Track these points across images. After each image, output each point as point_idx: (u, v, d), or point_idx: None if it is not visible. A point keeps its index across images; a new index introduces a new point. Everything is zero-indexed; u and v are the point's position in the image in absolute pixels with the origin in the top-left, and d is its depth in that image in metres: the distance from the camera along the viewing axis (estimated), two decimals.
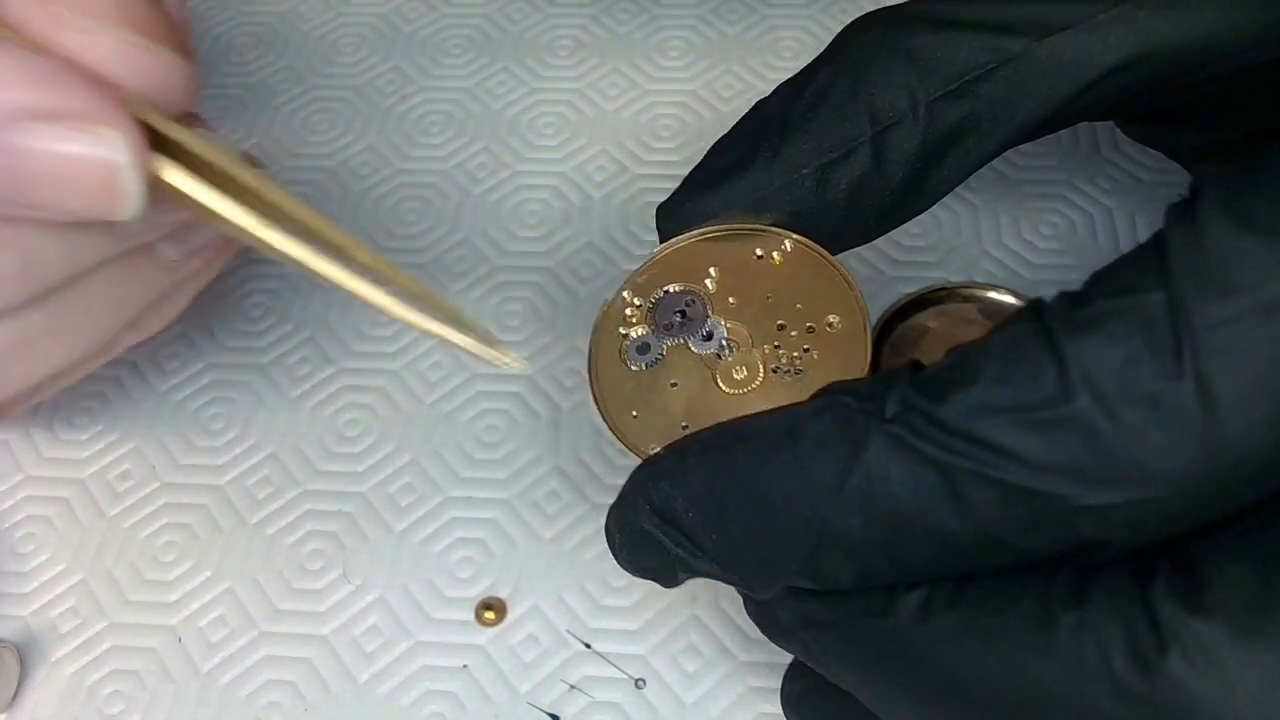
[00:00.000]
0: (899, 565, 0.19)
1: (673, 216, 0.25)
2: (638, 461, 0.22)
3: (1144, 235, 0.34)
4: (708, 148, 0.26)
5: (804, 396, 0.21)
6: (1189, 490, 0.17)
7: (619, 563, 0.22)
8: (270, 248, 0.21)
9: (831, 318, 0.24)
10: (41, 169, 0.19)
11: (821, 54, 0.26)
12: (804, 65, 0.26)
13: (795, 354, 0.24)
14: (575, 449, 0.31)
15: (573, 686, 0.27)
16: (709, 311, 0.24)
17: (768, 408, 0.21)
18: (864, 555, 0.19)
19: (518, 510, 0.30)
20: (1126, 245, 0.34)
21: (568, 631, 0.28)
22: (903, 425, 0.18)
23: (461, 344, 0.22)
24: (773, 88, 0.26)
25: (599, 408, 0.23)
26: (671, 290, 0.25)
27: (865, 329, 0.23)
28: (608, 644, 0.28)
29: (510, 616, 0.28)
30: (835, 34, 0.26)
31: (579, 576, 0.29)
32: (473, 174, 0.37)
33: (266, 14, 0.43)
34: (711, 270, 0.25)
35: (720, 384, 0.24)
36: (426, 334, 0.22)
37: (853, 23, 0.26)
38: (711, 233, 0.25)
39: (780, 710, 0.25)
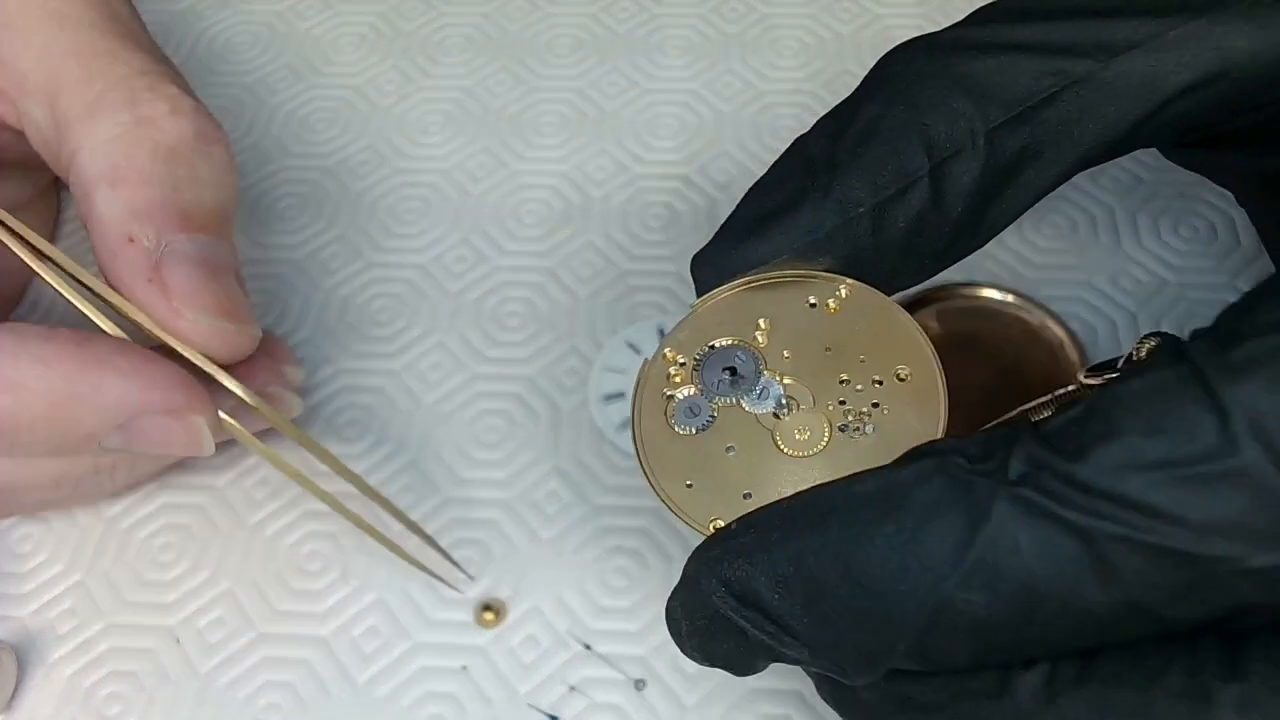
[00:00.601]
0: (1023, 643, 0.17)
1: (713, 265, 0.23)
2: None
3: (1145, 235, 0.34)
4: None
5: (879, 457, 0.19)
6: None
7: (684, 651, 0.20)
8: (317, 492, 0.27)
9: (901, 368, 0.22)
10: (152, 441, 0.26)
11: (861, 85, 0.24)
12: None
13: (864, 410, 0.21)
14: (575, 449, 0.31)
15: (573, 688, 0.27)
16: (762, 367, 0.22)
17: (836, 473, 0.19)
18: (985, 634, 0.17)
19: (518, 510, 0.30)
20: (1128, 244, 0.33)
21: (567, 632, 0.28)
22: (1034, 488, 0.16)
23: (412, 562, 0.28)
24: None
25: (649, 479, 0.21)
26: (719, 345, 0.23)
27: (940, 379, 0.21)
28: (608, 645, 0.28)
29: (510, 617, 0.28)
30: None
31: (579, 577, 0.29)
32: (473, 174, 0.37)
33: (266, 13, 0.42)
34: (760, 322, 0.23)
35: (782, 446, 0.21)
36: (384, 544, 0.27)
37: (892, 51, 0.24)
38: (755, 281, 0.23)
39: (782, 712, 0.25)
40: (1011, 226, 0.34)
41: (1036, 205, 0.34)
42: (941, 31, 0.24)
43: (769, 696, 0.26)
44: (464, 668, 0.27)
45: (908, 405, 0.21)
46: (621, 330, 0.33)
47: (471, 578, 0.28)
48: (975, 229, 0.23)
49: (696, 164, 0.37)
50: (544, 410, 0.32)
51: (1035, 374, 0.31)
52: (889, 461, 0.19)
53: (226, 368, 0.27)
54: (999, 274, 0.33)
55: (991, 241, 0.34)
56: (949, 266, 0.24)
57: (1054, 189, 0.24)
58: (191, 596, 0.29)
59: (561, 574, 0.29)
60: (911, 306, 0.32)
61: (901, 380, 0.22)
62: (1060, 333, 0.31)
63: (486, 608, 0.28)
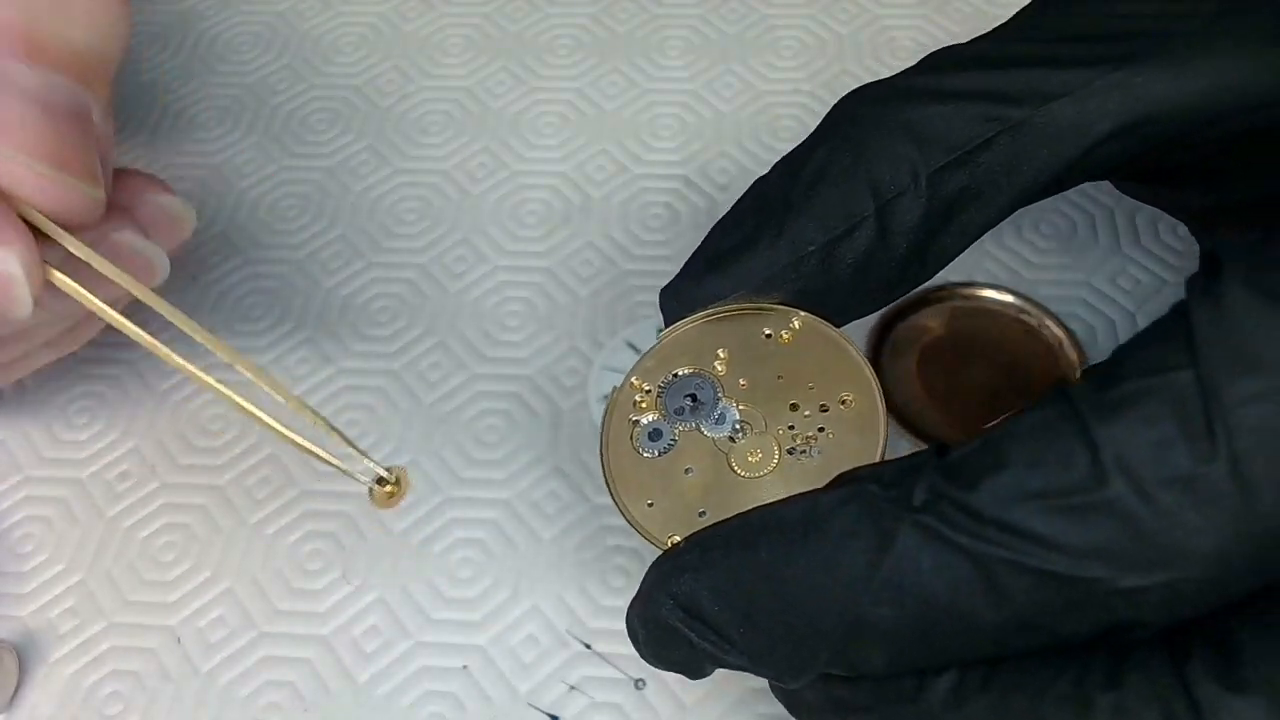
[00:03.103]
0: (931, 652, 0.18)
1: (679, 298, 0.25)
2: (656, 551, 0.22)
3: (1144, 235, 0.34)
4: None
5: (822, 478, 0.21)
6: (1225, 569, 0.16)
7: (642, 656, 0.22)
8: (147, 344, 0.24)
9: (845, 395, 0.23)
10: None
11: (816, 131, 0.26)
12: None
13: (810, 434, 0.23)
14: (575, 449, 0.31)
15: (573, 687, 0.27)
16: (720, 394, 0.24)
17: (786, 491, 0.21)
18: (896, 644, 0.18)
19: (518, 510, 0.30)
20: (1127, 245, 0.34)
21: (568, 632, 0.28)
22: (933, 514, 0.18)
23: (323, 457, 0.25)
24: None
25: (614, 499, 0.23)
26: (681, 374, 0.24)
27: (880, 406, 0.23)
28: (608, 644, 0.28)
29: (510, 616, 0.28)
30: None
31: (579, 576, 0.29)
32: (472, 174, 0.37)
33: (266, 14, 0.42)
34: (720, 351, 0.24)
35: (735, 468, 0.23)
36: (290, 443, 0.24)
37: (845, 98, 0.26)
38: (718, 313, 0.25)
39: (781, 712, 0.25)
40: (1011, 226, 0.34)
41: (1036, 206, 0.34)
42: (889, 79, 0.26)
43: (768, 696, 0.26)
44: (464, 667, 0.28)
45: (850, 430, 0.23)
46: (621, 330, 0.33)
47: (372, 460, 0.25)
48: (921, 263, 0.25)
49: (696, 164, 0.37)
50: (544, 410, 0.32)
51: (1035, 374, 0.31)
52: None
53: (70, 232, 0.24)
54: (999, 274, 0.33)
55: (991, 242, 0.34)
56: (900, 297, 0.26)
57: (996, 224, 0.25)
58: (192, 596, 0.29)
59: (561, 574, 0.29)
60: (912, 307, 0.32)
61: (845, 406, 0.23)
62: (1060, 333, 0.31)
63: (380, 481, 0.25)
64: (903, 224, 0.24)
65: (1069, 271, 0.33)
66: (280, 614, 0.29)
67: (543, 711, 0.27)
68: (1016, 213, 0.34)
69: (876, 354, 0.31)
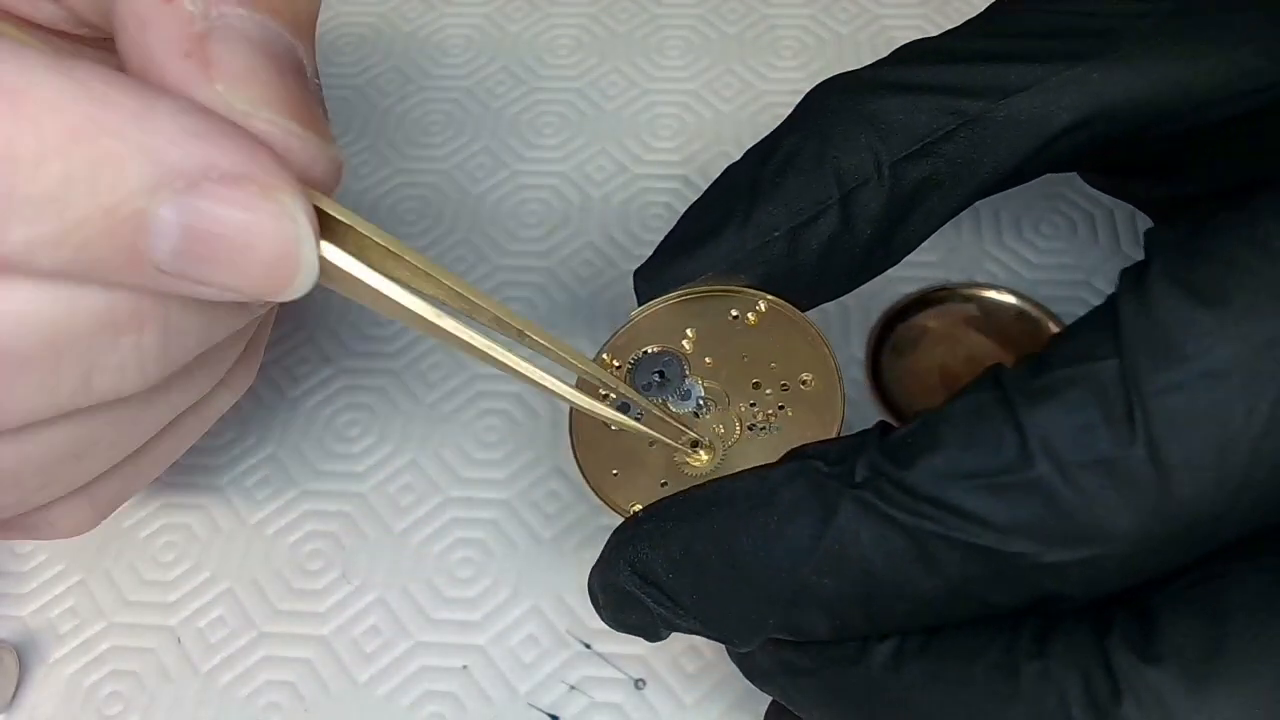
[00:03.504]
0: (872, 619, 0.19)
1: (650, 280, 0.26)
2: (618, 519, 0.23)
3: (1144, 235, 0.34)
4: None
5: (779, 453, 0.21)
6: (1143, 547, 0.17)
7: (603, 620, 0.23)
8: (440, 332, 0.20)
9: (805, 376, 0.24)
10: (222, 236, 0.17)
11: (785, 120, 0.27)
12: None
13: (770, 411, 0.24)
14: None
15: (573, 687, 0.27)
16: (686, 371, 0.25)
17: (745, 465, 0.21)
18: (838, 611, 0.19)
19: (518, 510, 0.30)
20: (1127, 245, 0.34)
21: (568, 632, 0.28)
22: (871, 490, 0.19)
23: (646, 430, 0.23)
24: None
25: (580, 467, 0.24)
26: (649, 351, 0.25)
27: (838, 386, 0.24)
28: (608, 644, 0.28)
29: (510, 616, 0.28)
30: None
31: (579, 576, 0.29)
32: (473, 174, 0.37)
33: None
34: (688, 331, 0.25)
35: None
36: (608, 420, 0.23)
37: (815, 89, 0.27)
38: (688, 295, 0.26)
39: None
40: (1011, 226, 0.34)
41: (1036, 206, 0.34)
42: (857, 71, 0.26)
43: (767, 697, 0.26)
44: (464, 667, 0.28)
45: (809, 409, 0.24)
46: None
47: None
48: (886, 250, 0.26)
49: (696, 164, 0.37)
50: (544, 410, 0.32)
51: None
52: None
53: None
54: (999, 274, 0.33)
55: (991, 242, 0.34)
56: (864, 284, 0.26)
57: (958, 214, 0.26)
58: (192, 596, 0.29)
59: (561, 574, 0.29)
60: (912, 307, 0.32)
61: (805, 386, 0.24)
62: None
63: (694, 445, 0.24)
64: (866, 212, 0.25)
65: (1069, 271, 0.33)
66: (280, 614, 0.29)
67: (543, 711, 0.27)
68: (1017, 213, 0.34)
69: (876, 354, 0.31)
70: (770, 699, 0.25)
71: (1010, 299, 0.32)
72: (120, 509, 0.30)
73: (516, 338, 0.22)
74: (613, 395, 0.24)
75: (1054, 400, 0.18)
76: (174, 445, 0.25)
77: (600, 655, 0.27)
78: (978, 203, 0.35)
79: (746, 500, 0.20)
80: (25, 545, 0.30)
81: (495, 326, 0.22)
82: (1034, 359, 0.19)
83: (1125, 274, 0.18)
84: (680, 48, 0.40)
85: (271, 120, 0.19)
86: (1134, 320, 0.17)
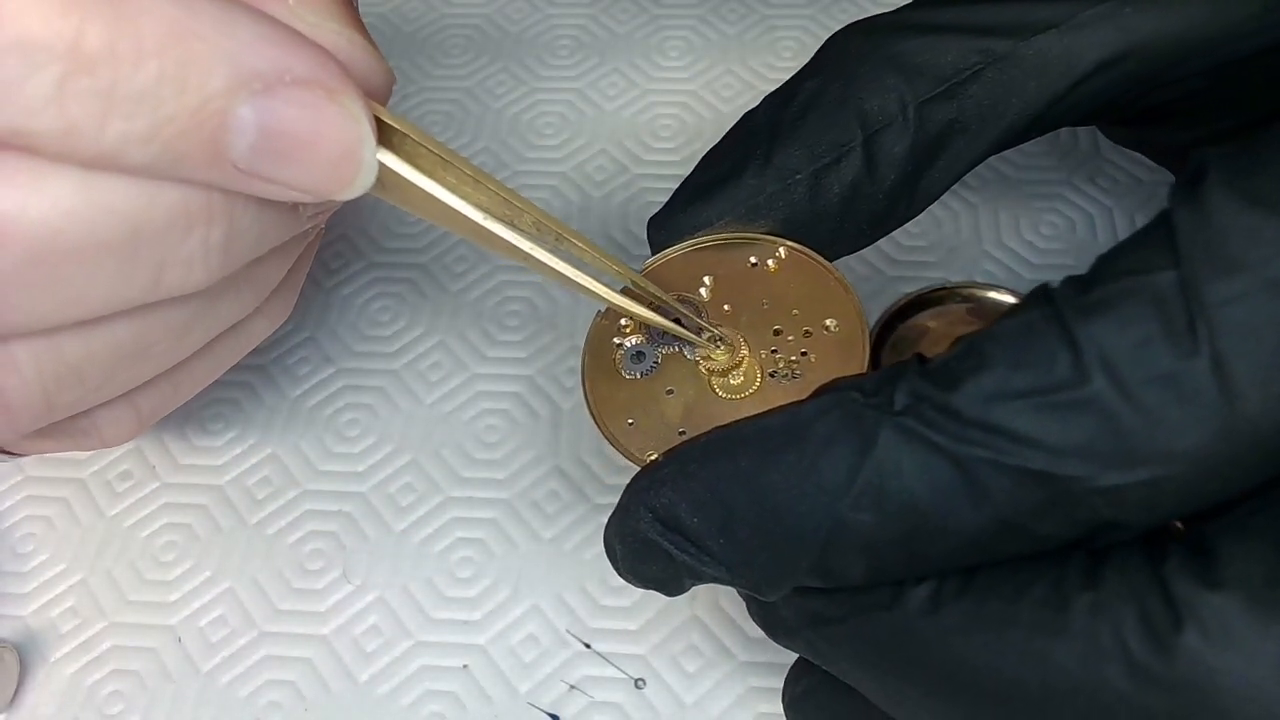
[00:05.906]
0: (912, 559, 0.18)
1: (665, 228, 0.25)
2: (636, 470, 0.22)
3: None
4: (707, 148, 0.26)
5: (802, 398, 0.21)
6: (1205, 468, 0.16)
7: (620, 574, 0.22)
8: (486, 235, 0.21)
9: (829, 321, 0.24)
10: (294, 135, 0.19)
11: (806, 65, 0.26)
12: (803, 65, 0.26)
13: (793, 358, 0.23)
14: (575, 449, 0.31)
15: (573, 686, 0.27)
16: (704, 319, 0.24)
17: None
18: (876, 551, 0.18)
19: (518, 510, 0.30)
20: None
21: (568, 631, 0.28)
22: (914, 417, 0.18)
23: (680, 330, 0.23)
24: (773, 88, 0.26)
25: (594, 417, 0.23)
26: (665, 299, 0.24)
27: (863, 331, 0.23)
28: (608, 644, 0.28)
29: (510, 616, 0.28)
30: (832, 30, 0.26)
31: (579, 576, 0.29)
32: None
33: None
34: (706, 279, 0.25)
35: (716, 390, 0.23)
36: (656, 324, 0.23)
37: (835, 34, 0.26)
38: (705, 242, 0.25)
39: (781, 711, 0.25)
40: (1011, 226, 0.34)
41: (1036, 205, 0.34)
42: (878, 15, 0.26)
43: (767, 696, 0.26)
44: (465, 666, 0.28)
45: (833, 354, 0.23)
46: None
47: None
48: (909, 198, 0.25)
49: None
50: (544, 410, 0.32)
51: None
52: None
53: None
54: (999, 274, 0.33)
55: (991, 242, 0.34)
56: (886, 234, 0.26)
57: (982, 160, 0.25)
58: (193, 595, 0.29)
59: (561, 574, 0.29)
60: (912, 307, 0.32)
61: (829, 332, 0.23)
62: None
63: (715, 340, 0.24)
64: (890, 155, 0.24)
65: (1069, 271, 0.33)
66: (281, 613, 0.29)
67: (543, 711, 0.27)
68: (1016, 213, 0.34)
69: (876, 354, 0.31)
70: (784, 679, 0.24)
71: (1010, 299, 0.32)
72: (120, 508, 0.31)
73: (556, 242, 0.23)
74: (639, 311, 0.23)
75: (1110, 314, 0.17)
76: (213, 365, 0.26)
77: (600, 655, 0.28)
78: (977, 202, 0.35)
79: (777, 436, 0.19)
80: (27, 545, 0.30)
81: (537, 231, 0.22)
82: (1082, 277, 0.18)
83: (1176, 188, 0.17)
84: (680, 48, 0.40)
85: (337, 31, 0.21)
86: (1191, 230, 0.17)
